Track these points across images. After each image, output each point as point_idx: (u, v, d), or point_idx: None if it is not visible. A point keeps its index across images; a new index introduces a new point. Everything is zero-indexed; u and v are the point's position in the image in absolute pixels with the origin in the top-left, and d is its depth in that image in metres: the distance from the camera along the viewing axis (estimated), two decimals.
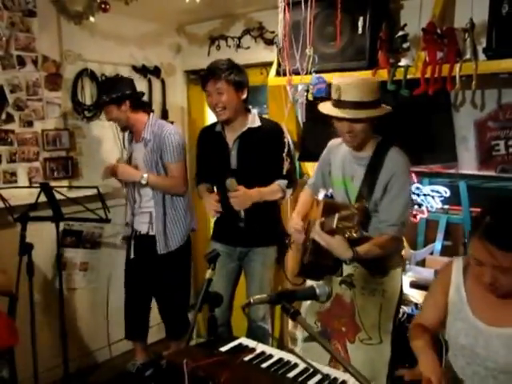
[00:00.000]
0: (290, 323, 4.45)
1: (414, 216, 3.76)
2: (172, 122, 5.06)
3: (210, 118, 5.16)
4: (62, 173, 4.37)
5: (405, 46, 3.25)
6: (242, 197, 3.58)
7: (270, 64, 4.00)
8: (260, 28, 4.49)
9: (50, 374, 4.32)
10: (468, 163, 3.45)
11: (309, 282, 3.22)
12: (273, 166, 3.62)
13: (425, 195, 3.73)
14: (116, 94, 3.92)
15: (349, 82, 2.79)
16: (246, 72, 3.73)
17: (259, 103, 4.77)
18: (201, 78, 3.69)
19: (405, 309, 3.39)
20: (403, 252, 3.33)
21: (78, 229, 4.55)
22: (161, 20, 4.88)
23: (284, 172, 3.52)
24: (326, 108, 2.89)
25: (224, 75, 3.55)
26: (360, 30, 3.32)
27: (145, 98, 4.94)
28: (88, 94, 4.54)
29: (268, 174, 3.69)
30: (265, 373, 2.13)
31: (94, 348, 4.87)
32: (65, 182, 4.38)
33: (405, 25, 3.28)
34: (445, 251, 3.71)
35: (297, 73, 3.41)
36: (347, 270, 2.99)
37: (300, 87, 3.50)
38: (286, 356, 2.27)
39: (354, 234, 2.58)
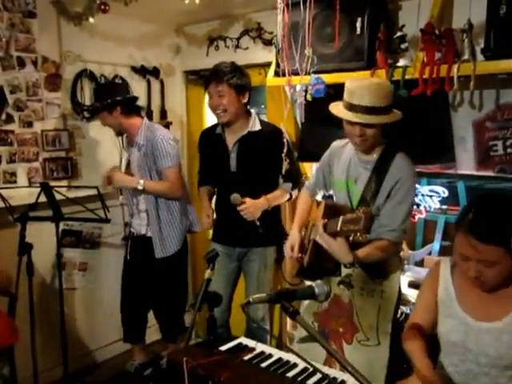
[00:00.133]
0: (289, 324, 4.46)
1: (413, 216, 3.76)
2: (171, 123, 5.12)
3: (209, 118, 5.18)
4: (61, 173, 4.38)
5: (403, 46, 3.25)
6: (251, 208, 3.60)
7: (268, 64, 4.01)
8: (258, 29, 4.50)
9: (50, 373, 4.33)
10: (466, 163, 3.46)
11: (307, 283, 3.22)
12: (272, 169, 3.64)
13: (423, 195, 3.74)
14: (106, 101, 3.91)
15: (363, 86, 2.75)
16: (249, 75, 3.76)
17: (257, 103, 4.77)
18: (204, 79, 3.71)
19: (403, 309, 3.40)
20: (402, 253, 3.33)
21: (78, 229, 4.56)
22: (160, 21, 4.88)
23: (283, 172, 3.53)
24: (338, 110, 2.85)
25: (226, 78, 3.57)
26: (358, 31, 3.32)
27: (144, 99, 4.98)
28: (87, 95, 4.54)
29: (267, 177, 3.71)
30: (264, 372, 2.14)
31: (94, 348, 4.88)
32: (64, 183, 4.38)
33: (403, 25, 3.29)
34: (443, 251, 3.71)
35: (296, 73, 3.42)
36: (346, 270, 2.96)
37: (298, 87, 3.51)
38: (286, 356, 2.28)
39: (360, 238, 2.54)
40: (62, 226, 4.21)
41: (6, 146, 4.04)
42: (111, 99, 3.90)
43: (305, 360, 1.93)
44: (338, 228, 2.59)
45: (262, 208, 3.65)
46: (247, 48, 4.61)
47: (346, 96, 2.81)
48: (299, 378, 2.08)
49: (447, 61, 2.98)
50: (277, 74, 3.72)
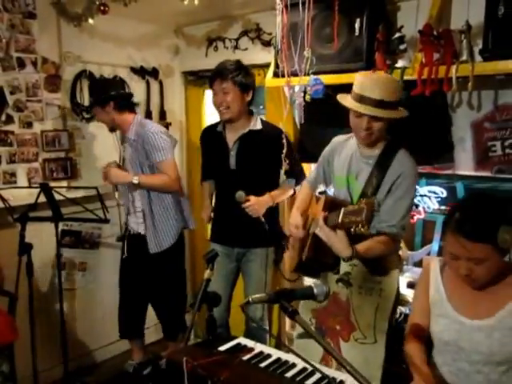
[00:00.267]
0: (288, 324, 4.47)
1: (411, 217, 3.77)
2: (170, 123, 5.12)
3: (208, 119, 5.20)
4: (61, 173, 4.38)
5: (402, 47, 3.27)
6: (256, 205, 3.61)
7: (267, 65, 4.02)
8: (257, 29, 4.50)
9: (50, 373, 4.34)
10: (465, 164, 3.47)
11: (305, 279, 3.23)
12: (272, 169, 3.65)
13: (422, 196, 3.74)
14: (99, 96, 3.95)
15: (374, 79, 2.77)
16: (254, 74, 3.79)
17: (256, 104, 4.76)
18: (209, 77, 3.74)
19: (402, 309, 3.40)
20: (400, 252, 3.34)
21: (77, 229, 4.56)
22: (159, 22, 4.89)
23: (282, 173, 3.54)
24: (346, 101, 2.82)
25: (231, 76, 3.60)
26: (357, 32, 3.34)
27: (143, 100, 4.99)
28: (87, 96, 4.53)
29: (266, 176, 3.73)
30: (263, 372, 2.15)
31: (93, 347, 4.89)
32: (64, 183, 4.39)
33: (402, 26, 3.31)
34: (442, 252, 3.72)
35: (295, 74, 3.42)
36: (345, 268, 2.97)
37: (297, 88, 3.52)
38: (285, 356, 2.28)
39: (362, 229, 2.47)
40: (61, 226, 4.22)
41: (6, 146, 4.05)
42: (104, 94, 3.94)
43: (304, 360, 1.94)
44: (340, 220, 2.56)
45: (266, 205, 3.66)
46: (246, 49, 4.62)
47: (355, 88, 2.79)
48: (298, 378, 2.08)
49: (446, 61, 2.99)
50: (276, 74, 3.73)
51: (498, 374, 2.18)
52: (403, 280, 3.49)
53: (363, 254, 2.76)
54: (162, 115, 5.20)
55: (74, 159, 4.52)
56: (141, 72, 4.98)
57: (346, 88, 2.94)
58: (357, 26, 3.32)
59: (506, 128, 3.28)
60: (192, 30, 5.07)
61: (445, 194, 3.68)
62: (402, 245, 3.53)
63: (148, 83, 5.07)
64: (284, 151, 3.51)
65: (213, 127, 3.99)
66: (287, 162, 3.54)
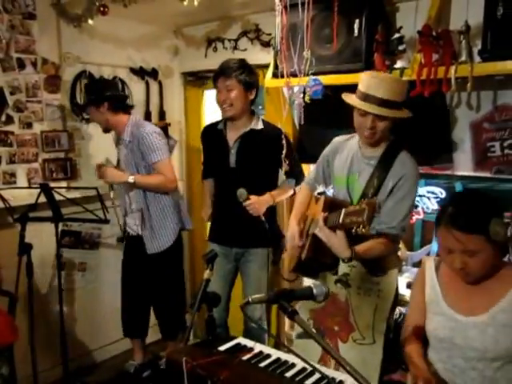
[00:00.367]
0: (287, 324, 4.47)
1: (411, 217, 3.77)
2: (169, 124, 5.13)
3: (207, 119, 5.21)
4: (60, 174, 4.39)
5: (401, 48, 3.27)
6: (257, 204, 3.61)
7: (266, 66, 4.02)
8: (256, 30, 4.51)
9: (49, 373, 4.34)
10: (464, 164, 3.47)
11: (304, 279, 3.23)
12: (271, 168, 3.66)
13: (421, 196, 3.74)
14: (94, 96, 3.95)
15: (380, 78, 2.75)
16: (257, 74, 3.81)
17: (255, 104, 4.76)
18: (213, 74, 3.78)
19: (401, 309, 3.41)
20: (399, 253, 3.34)
21: (77, 229, 4.56)
22: (158, 22, 4.89)
23: (283, 173, 3.54)
24: (351, 99, 2.81)
25: (235, 74, 3.63)
26: (356, 33, 3.34)
27: (142, 100, 5.00)
28: None
29: (266, 175, 3.73)
30: (263, 372, 2.14)
31: (93, 348, 4.89)
32: (63, 183, 4.39)
33: (401, 27, 3.31)
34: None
35: (294, 75, 3.43)
36: (343, 269, 2.97)
37: (296, 89, 3.52)
38: (284, 356, 2.28)
39: (363, 230, 2.45)
40: (61, 226, 4.21)
41: (6, 146, 4.06)
42: (99, 95, 3.94)
43: (304, 360, 1.94)
44: (341, 220, 2.55)
45: (266, 204, 3.67)
46: (245, 49, 4.62)
47: (361, 86, 2.79)
48: (298, 378, 2.08)
49: (445, 62, 3.00)
50: (275, 75, 3.74)
51: (493, 370, 2.21)
52: (402, 280, 3.49)
53: (362, 255, 2.76)
54: (162, 115, 5.21)
55: (74, 159, 4.53)
56: (140, 72, 4.99)
57: (345, 89, 2.94)
58: (356, 26, 3.33)
59: (505, 128, 3.28)
60: (191, 30, 5.08)
61: (444, 195, 3.68)
62: (401, 245, 3.53)
63: (147, 84, 5.08)
64: (284, 151, 3.52)
65: (214, 125, 4.00)
66: (287, 162, 3.55)
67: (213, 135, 3.94)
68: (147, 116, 5.06)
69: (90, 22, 3.97)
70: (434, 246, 3.74)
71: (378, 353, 2.95)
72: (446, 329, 2.30)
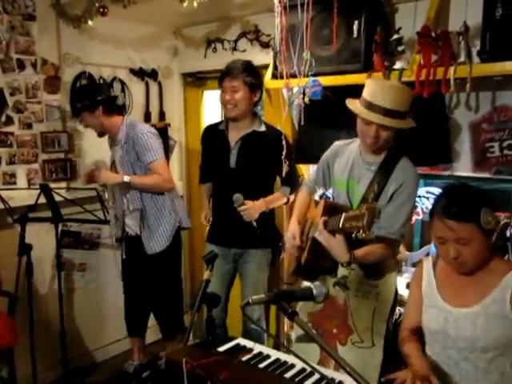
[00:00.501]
0: (286, 324, 4.47)
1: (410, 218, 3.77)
2: (169, 124, 5.13)
3: (207, 120, 5.22)
4: (60, 174, 4.39)
5: (400, 48, 3.28)
6: (251, 209, 3.63)
7: (265, 67, 4.02)
8: (256, 31, 4.51)
9: (49, 373, 4.35)
10: (463, 165, 3.48)
11: (303, 282, 3.23)
12: (271, 171, 3.67)
13: (420, 197, 3.74)
14: (88, 101, 3.92)
15: (386, 87, 2.73)
16: (262, 76, 3.84)
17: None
18: (220, 74, 3.78)
19: (401, 310, 3.41)
20: (398, 256, 3.34)
21: (76, 230, 4.56)
22: (158, 23, 4.90)
23: (283, 175, 3.54)
24: (355, 107, 2.79)
25: (242, 75, 3.65)
26: (355, 33, 3.35)
27: (142, 101, 5.01)
28: None
29: (265, 177, 3.75)
30: (263, 372, 2.15)
31: (93, 348, 4.89)
32: (63, 184, 4.40)
33: (400, 28, 3.31)
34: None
35: (293, 76, 3.43)
36: (342, 271, 2.97)
37: (295, 90, 3.52)
38: (284, 356, 2.29)
39: (363, 235, 2.45)
40: (60, 226, 4.22)
41: (6, 147, 4.06)
42: (92, 99, 3.92)
43: (303, 361, 1.94)
44: (341, 224, 2.55)
45: (260, 210, 3.69)
46: (245, 50, 4.62)
47: (365, 94, 2.77)
48: (297, 379, 2.09)
49: (444, 63, 3.00)
50: (274, 76, 3.74)
51: (486, 361, 2.26)
52: (402, 281, 3.49)
53: (361, 260, 2.77)
54: (161, 116, 5.21)
55: (74, 160, 4.53)
56: (140, 73, 4.99)
57: (345, 89, 2.94)
58: (355, 27, 3.33)
59: (504, 129, 3.29)
60: (191, 31, 5.08)
61: None
62: (401, 247, 3.53)
63: (147, 84, 5.08)
64: (284, 153, 3.52)
65: (215, 126, 4.02)
66: (287, 163, 3.55)
67: (214, 136, 3.95)
68: (147, 117, 5.06)
69: (90, 22, 3.97)
70: (433, 247, 3.75)
71: (378, 355, 2.95)
72: (440, 320, 2.36)
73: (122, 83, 4.82)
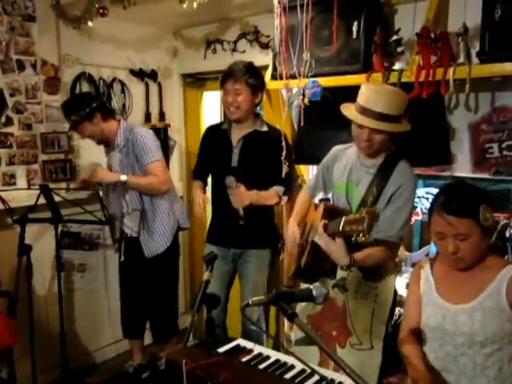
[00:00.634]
0: (286, 325, 4.47)
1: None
2: (169, 125, 5.13)
3: (207, 120, 5.23)
4: (60, 175, 4.39)
5: (399, 49, 3.28)
6: (242, 195, 3.63)
7: (265, 68, 4.02)
8: (255, 32, 4.51)
9: (49, 374, 4.34)
10: (462, 165, 3.48)
11: (302, 285, 3.23)
12: (272, 171, 3.66)
13: (419, 197, 3.75)
14: (85, 110, 3.87)
15: (379, 92, 2.73)
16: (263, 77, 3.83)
17: None
18: (222, 76, 3.79)
19: (401, 310, 3.41)
20: (399, 253, 3.34)
21: (76, 230, 4.56)
22: (158, 24, 4.90)
23: (283, 175, 3.54)
24: (349, 112, 2.81)
25: (244, 77, 3.66)
26: (355, 34, 3.35)
27: (142, 102, 5.01)
28: None
29: (267, 176, 3.73)
30: (263, 373, 2.16)
31: (93, 348, 4.89)
32: (63, 185, 4.40)
33: (399, 29, 3.32)
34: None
35: (293, 77, 3.43)
36: (340, 273, 2.97)
37: (295, 91, 3.53)
38: (283, 357, 2.29)
39: (363, 238, 2.46)
40: (60, 227, 4.22)
41: (6, 148, 4.06)
42: (88, 107, 3.88)
43: (303, 362, 1.95)
44: (341, 228, 2.56)
45: (249, 199, 3.66)
46: (244, 51, 4.62)
47: (359, 99, 2.78)
48: (297, 380, 2.10)
49: (443, 64, 3.00)
50: (274, 77, 3.75)
51: (484, 356, 2.29)
52: (402, 281, 3.50)
53: (361, 263, 2.78)
54: (161, 117, 5.21)
55: (74, 161, 4.52)
56: (140, 74, 4.99)
57: (344, 90, 2.94)
58: (354, 28, 3.33)
59: (503, 130, 3.29)
60: (190, 32, 5.08)
61: None
62: (401, 248, 3.53)
63: (147, 85, 5.08)
64: (284, 153, 3.52)
65: (217, 126, 4.06)
66: (287, 164, 3.55)
67: (216, 135, 3.96)
68: (147, 117, 5.07)
69: (90, 23, 3.97)
70: (432, 247, 3.75)
71: (377, 357, 2.95)
72: (438, 317, 2.38)
73: (122, 84, 4.82)
